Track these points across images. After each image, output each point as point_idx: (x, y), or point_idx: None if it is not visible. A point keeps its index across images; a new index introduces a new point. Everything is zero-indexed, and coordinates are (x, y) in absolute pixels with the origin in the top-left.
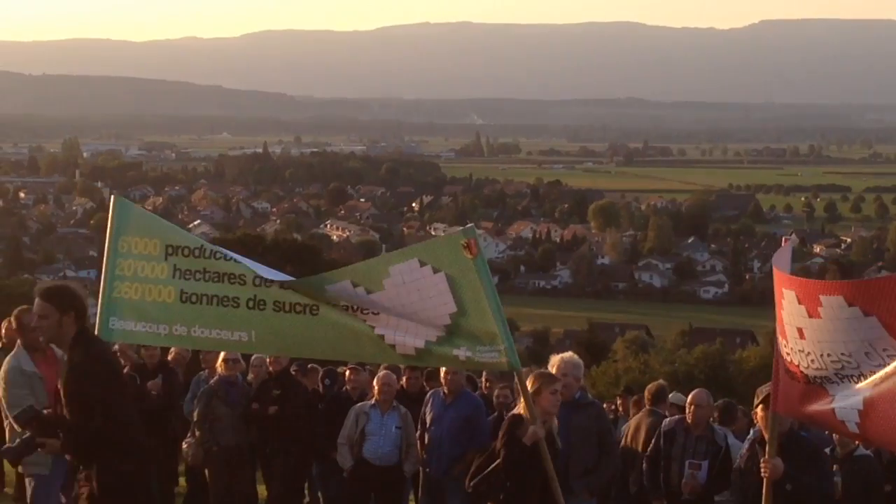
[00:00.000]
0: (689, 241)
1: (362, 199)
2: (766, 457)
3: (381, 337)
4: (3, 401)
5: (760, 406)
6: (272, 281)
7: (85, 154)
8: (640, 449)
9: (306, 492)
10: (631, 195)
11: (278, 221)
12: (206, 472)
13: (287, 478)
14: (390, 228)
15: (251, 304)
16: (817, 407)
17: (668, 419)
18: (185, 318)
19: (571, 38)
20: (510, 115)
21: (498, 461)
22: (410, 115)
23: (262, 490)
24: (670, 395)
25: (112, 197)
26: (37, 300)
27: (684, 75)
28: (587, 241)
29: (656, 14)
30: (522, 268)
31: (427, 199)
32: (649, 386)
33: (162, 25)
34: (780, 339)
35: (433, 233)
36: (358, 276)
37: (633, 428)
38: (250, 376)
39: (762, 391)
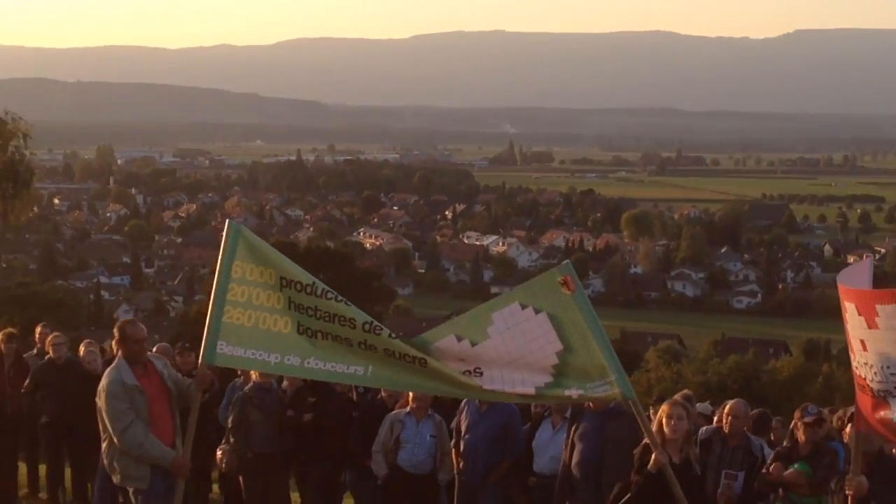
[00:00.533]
0: (722, 251)
1: (395, 207)
2: (850, 474)
3: (492, 391)
4: (104, 414)
5: (849, 424)
6: (381, 328)
7: (119, 161)
8: None
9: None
10: (664, 204)
11: (311, 229)
12: (241, 479)
13: (321, 485)
14: (423, 236)
15: (362, 346)
16: (884, 416)
17: (704, 429)
18: (301, 349)
19: (605, 47)
20: (543, 124)
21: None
22: (444, 124)
23: (296, 497)
24: (697, 405)
25: (227, 221)
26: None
27: (718, 85)
28: (620, 250)
29: (690, 23)
30: None
31: (460, 207)
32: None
33: (196, 33)
34: (850, 353)
35: (466, 241)
36: (461, 329)
37: None
38: (285, 383)
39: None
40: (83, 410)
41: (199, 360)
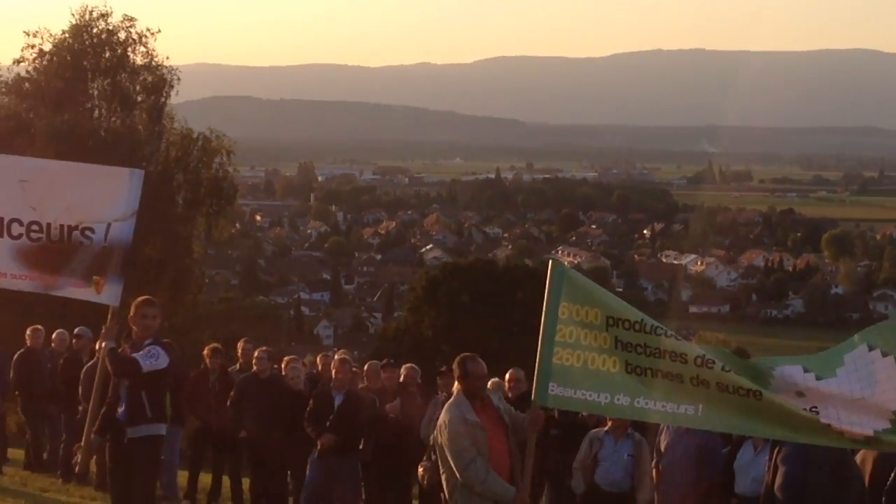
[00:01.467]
0: None
1: (594, 226)
2: None
3: (828, 425)
4: (446, 450)
5: None
6: (714, 362)
7: (320, 178)
8: (867, 480)
9: None
10: (866, 224)
11: (510, 247)
12: (442, 495)
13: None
14: (621, 255)
15: (694, 382)
16: None
17: None
18: (630, 389)
19: (806, 65)
20: (743, 143)
21: None
22: (642, 142)
23: None
24: None
25: (550, 262)
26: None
27: None
28: (820, 270)
29: (893, 41)
30: (754, 296)
31: (658, 226)
32: None
33: (396, 51)
34: None
35: (664, 260)
36: (811, 364)
37: (860, 459)
38: None
39: None
40: (281, 426)
41: (532, 400)
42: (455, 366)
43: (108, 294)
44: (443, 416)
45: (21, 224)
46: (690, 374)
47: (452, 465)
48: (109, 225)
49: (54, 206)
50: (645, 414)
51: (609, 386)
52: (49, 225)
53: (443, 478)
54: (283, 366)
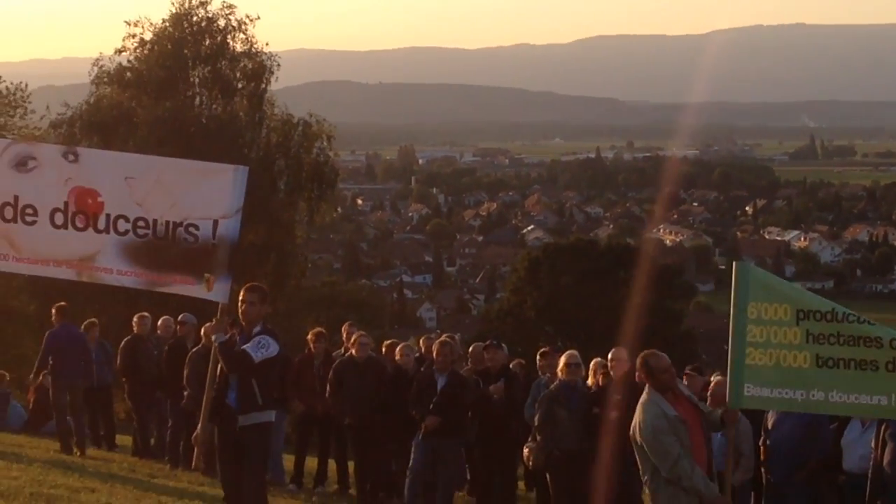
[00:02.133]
0: None
1: (695, 204)
2: None
3: None
4: (647, 449)
5: None
6: None
7: (420, 161)
8: None
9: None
10: None
11: (611, 226)
12: (548, 476)
13: (623, 482)
14: (724, 233)
15: (890, 366)
16: None
17: None
18: (823, 383)
19: None
20: (844, 117)
21: None
22: (743, 119)
23: None
24: None
25: (734, 264)
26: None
27: None
28: None
29: None
30: (858, 271)
31: (761, 202)
32: None
33: (494, 33)
34: None
35: (767, 236)
36: None
37: None
38: (590, 380)
39: None
40: (377, 409)
41: (727, 402)
42: (638, 367)
43: (217, 291)
44: (639, 416)
45: (127, 220)
46: (886, 359)
47: (657, 463)
48: (216, 222)
49: (160, 202)
50: (839, 408)
51: (803, 382)
52: (155, 221)
53: (644, 479)
54: (396, 351)
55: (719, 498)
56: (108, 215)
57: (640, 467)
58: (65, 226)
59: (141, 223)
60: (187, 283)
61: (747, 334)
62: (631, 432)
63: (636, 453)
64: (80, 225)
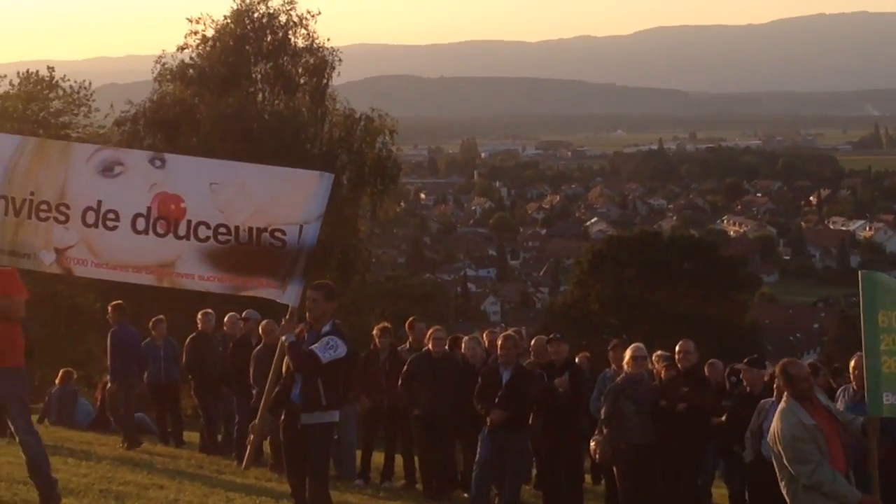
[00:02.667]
0: None
1: (759, 194)
2: None
3: None
4: (784, 458)
5: None
6: None
7: (483, 154)
8: None
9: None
10: None
11: (675, 218)
12: (615, 469)
13: (689, 474)
14: (788, 223)
15: None
16: None
17: None
18: None
19: None
20: None
21: None
22: (806, 108)
23: None
24: None
25: (860, 274)
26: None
27: None
28: None
29: None
30: None
31: (825, 192)
32: None
33: (555, 25)
34: None
35: (831, 227)
36: None
37: None
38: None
39: None
40: (453, 405)
41: (867, 411)
42: (777, 374)
43: (289, 294)
44: (776, 425)
45: (208, 227)
46: None
47: (797, 470)
48: (301, 227)
49: (242, 208)
50: None
51: None
52: (237, 227)
53: (781, 484)
54: (462, 344)
55: (867, 497)
56: (189, 221)
57: (777, 473)
58: (146, 231)
59: (222, 230)
60: (271, 287)
61: (881, 343)
62: (769, 440)
63: (773, 460)
64: (160, 231)
